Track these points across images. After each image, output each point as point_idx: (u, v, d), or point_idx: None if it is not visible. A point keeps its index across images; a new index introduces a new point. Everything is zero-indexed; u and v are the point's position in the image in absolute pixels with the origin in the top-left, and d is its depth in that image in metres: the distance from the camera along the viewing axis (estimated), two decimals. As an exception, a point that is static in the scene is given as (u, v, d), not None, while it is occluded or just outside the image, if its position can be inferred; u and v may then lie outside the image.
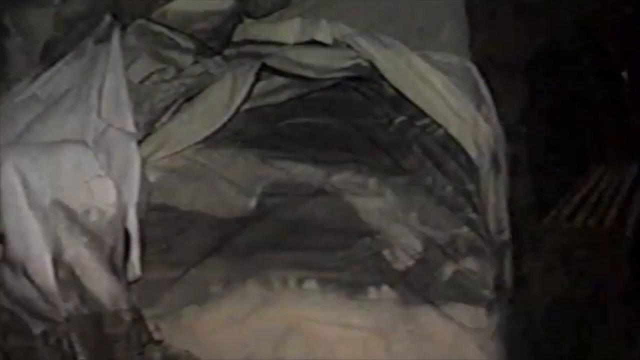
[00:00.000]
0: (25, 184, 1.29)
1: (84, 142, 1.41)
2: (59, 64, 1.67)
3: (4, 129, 1.53)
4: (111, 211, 1.31)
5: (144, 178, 1.44)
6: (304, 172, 1.55)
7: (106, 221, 1.31)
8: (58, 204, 1.29)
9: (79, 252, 1.26)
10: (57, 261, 1.24)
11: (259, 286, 1.38)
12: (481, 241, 1.49)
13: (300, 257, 1.42)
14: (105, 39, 1.70)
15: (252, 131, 1.64)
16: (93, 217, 1.30)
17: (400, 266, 1.42)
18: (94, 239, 1.28)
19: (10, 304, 1.26)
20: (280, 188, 1.53)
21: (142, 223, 1.38)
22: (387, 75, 1.66)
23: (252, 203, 1.51)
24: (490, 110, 1.73)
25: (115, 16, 1.76)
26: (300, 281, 1.39)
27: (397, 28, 1.80)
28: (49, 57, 1.72)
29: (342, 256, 1.42)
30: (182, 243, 1.44)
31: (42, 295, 1.23)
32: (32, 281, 1.23)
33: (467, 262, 1.45)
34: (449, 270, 1.43)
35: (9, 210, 1.28)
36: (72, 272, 1.24)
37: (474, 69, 1.78)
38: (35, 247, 1.24)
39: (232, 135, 1.62)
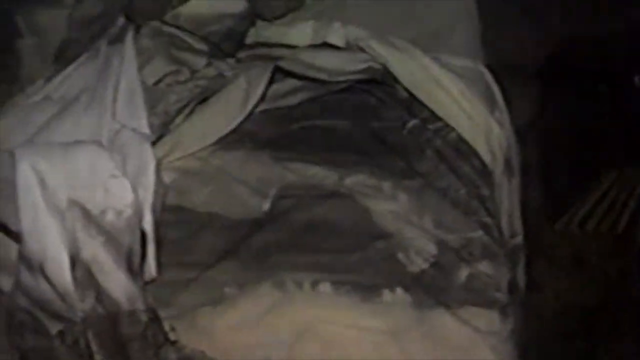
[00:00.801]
0: (42, 184, 1.30)
1: (99, 143, 1.43)
2: (73, 66, 1.69)
3: (18, 130, 1.54)
4: (127, 211, 1.33)
5: (158, 179, 1.45)
6: (317, 174, 1.56)
7: (123, 221, 1.32)
8: (75, 204, 1.30)
9: (95, 252, 1.27)
10: (74, 261, 1.25)
11: (273, 288, 1.39)
12: (495, 245, 1.50)
13: (315, 259, 1.43)
14: (118, 40, 1.72)
15: (266, 133, 1.65)
16: (109, 217, 1.31)
17: (414, 269, 1.42)
18: (111, 239, 1.29)
19: (28, 304, 1.27)
20: (293, 190, 1.54)
21: (157, 224, 1.39)
22: (400, 78, 1.68)
23: (266, 205, 1.52)
24: (503, 114, 1.75)
25: (128, 18, 1.78)
26: (314, 284, 1.39)
27: (409, 31, 1.81)
28: (63, 58, 1.74)
29: (356, 259, 1.43)
30: (197, 244, 1.45)
31: (59, 295, 1.24)
32: (49, 281, 1.24)
33: (481, 266, 1.45)
34: (463, 273, 1.43)
35: (25, 210, 1.29)
36: (88, 272, 1.26)
37: (487, 73, 1.79)
38: (52, 247, 1.26)
39: (246, 137, 1.63)
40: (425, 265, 1.43)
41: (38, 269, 1.25)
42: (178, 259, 1.41)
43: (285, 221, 1.49)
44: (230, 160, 1.58)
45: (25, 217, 1.29)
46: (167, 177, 1.52)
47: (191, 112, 1.64)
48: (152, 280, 1.35)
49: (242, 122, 1.63)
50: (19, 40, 1.81)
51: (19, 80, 1.72)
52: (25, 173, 1.31)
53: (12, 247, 1.31)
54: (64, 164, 1.35)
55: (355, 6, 1.86)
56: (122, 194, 1.35)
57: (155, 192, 1.43)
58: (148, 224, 1.37)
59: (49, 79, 1.67)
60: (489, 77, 1.79)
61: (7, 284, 1.30)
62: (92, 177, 1.35)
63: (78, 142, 1.42)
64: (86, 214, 1.30)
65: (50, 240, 1.26)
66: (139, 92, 1.59)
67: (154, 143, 1.52)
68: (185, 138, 1.59)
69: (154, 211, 1.39)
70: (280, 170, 1.57)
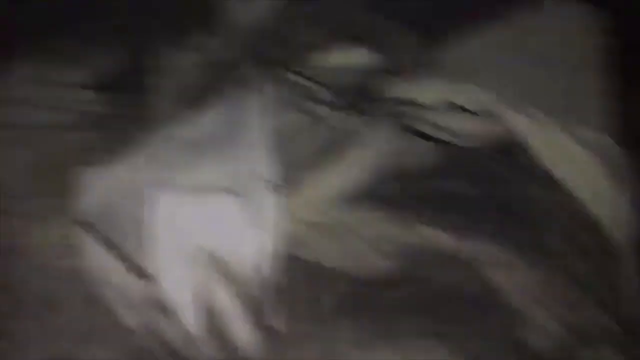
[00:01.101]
0: (173, 227, 1.37)
1: (229, 190, 1.49)
2: (203, 108, 1.76)
3: (145, 169, 1.61)
4: (254, 261, 1.38)
5: (283, 229, 1.50)
6: (440, 238, 1.58)
7: (249, 270, 1.37)
8: (204, 251, 1.36)
9: (222, 300, 1.32)
10: (202, 307, 1.31)
11: (388, 351, 1.41)
12: (619, 327, 1.49)
13: (433, 326, 1.45)
14: (245, 85, 1.78)
15: (390, 192, 1.67)
16: (238, 265, 1.36)
17: (536, 347, 1.43)
18: (238, 287, 1.34)
19: (154, 345, 1.32)
20: (415, 252, 1.56)
21: (280, 275, 1.43)
22: (530, 147, 1.69)
23: (388, 265, 1.54)
24: (631, 191, 1.74)
25: (258, 64, 1.84)
26: (430, 351, 1.41)
27: (539, 100, 1.82)
28: (193, 100, 1.81)
29: (476, 330, 1.44)
30: (316, 298, 1.48)
31: (185, 340, 1.29)
32: (175, 324, 1.30)
33: (605, 348, 1.45)
34: (586, 355, 1.43)
35: (154, 251, 1.35)
36: (216, 320, 1.31)
37: (616, 147, 1.79)
38: (180, 291, 1.31)
39: (369, 193, 1.66)
40: (547, 344, 1.44)
41: (165, 311, 1.31)
42: (297, 312, 1.45)
43: (406, 284, 1.51)
44: (355, 217, 1.61)
45: (154, 258, 1.35)
46: (291, 228, 1.56)
47: (317, 163, 1.69)
48: (275, 331, 1.38)
49: (367, 179, 1.66)
50: (150, 80, 1.90)
51: (148, 120, 1.79)
52: (157, 214, 1.38)
53: (140, 286, 1.37)
54: (195, 210, 1.42)
55: (487, 69, 1.88)
56: (249, 243, 1.40)
57: (279, 242, 1.48)
58: (271, 274, 1.41)
59: (179, 121, 1.74)
60: (617, 151, 1.78)
61: (133, 321, 1.36)
62: (221, 225, 1.41)
63: (209, 188, 1.48)
64: (215, 261, 1.35)
65: (178, 284, 1.32)
66: (266, 140, 1.65)
67: (279, 192, 1.57)
68: (310, 190, 1.63)
69: (277, 262, 1.44)
70: (402, 230, 1.59)
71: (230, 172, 1.58)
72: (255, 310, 1.35)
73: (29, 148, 1.73)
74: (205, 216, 1.43)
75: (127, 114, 1.83)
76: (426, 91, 1.80)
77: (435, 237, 1.59)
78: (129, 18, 1.99)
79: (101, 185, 1.59)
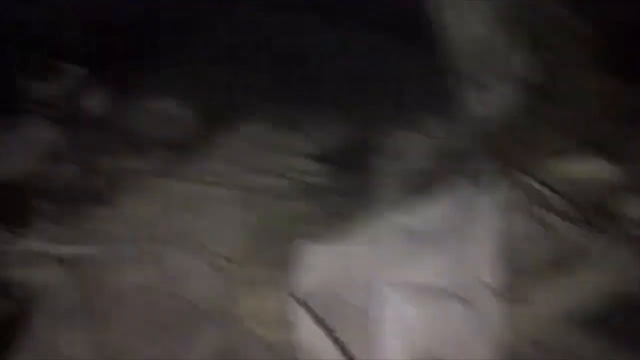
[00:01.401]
0: (404, 328, 1.35)
1: (454, 294, 1.47)
2: (429, 198, 1.74)
3: (372, 257, 1.61)
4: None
5: (506, 342, 1.46)
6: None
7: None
8: (430, 355, 1.33)
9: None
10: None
11: None
12: None
13: None
14: (478, 181, 1.76)
15: (619, 322, 1.59)
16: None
17: None
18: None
19: None
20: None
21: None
22: None
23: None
24: None
25: (492, 160, 1.81)
26: None
27: None
28: (419, 187, 1.80)
29: None
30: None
31: None
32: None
33: None
34: None
35: (382, 349, 1.34)
36: None
37: None
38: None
39: (598, 320, 1.58)
40: None
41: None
42: None
43: None
44: (578, 341, 1.55)
45: (378, 353, 1.34)
46: (513, 342, 1.50)
47: (543, 275, 1.63)
48: None
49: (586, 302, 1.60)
50: (373, 158, 1.90)
51: (368, 200, 1.79)
52: (392, 313, 1.38)
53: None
54: (421, 310, 1.40)
55: None
56: (472, 352, 1.37)
57: (502, 355, 1.43)
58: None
59: (399, 206, 1.73)
60: None
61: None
62: (447, 330, 1.38)
63: (434, 288, 1.47)
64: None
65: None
66: (492, 242, 1.62)
67: (503, 300, 1.53)
68: (535, 304, 1.58)
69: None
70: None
71: (455, 271, 1.57)
72: None
73: (250, 212, 1.77)
74: (432, 319, 1.41)
75: (349, 190, 1.84)
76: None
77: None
78: (361, 94, 2.01)
79: (321, 263, 1.60)
